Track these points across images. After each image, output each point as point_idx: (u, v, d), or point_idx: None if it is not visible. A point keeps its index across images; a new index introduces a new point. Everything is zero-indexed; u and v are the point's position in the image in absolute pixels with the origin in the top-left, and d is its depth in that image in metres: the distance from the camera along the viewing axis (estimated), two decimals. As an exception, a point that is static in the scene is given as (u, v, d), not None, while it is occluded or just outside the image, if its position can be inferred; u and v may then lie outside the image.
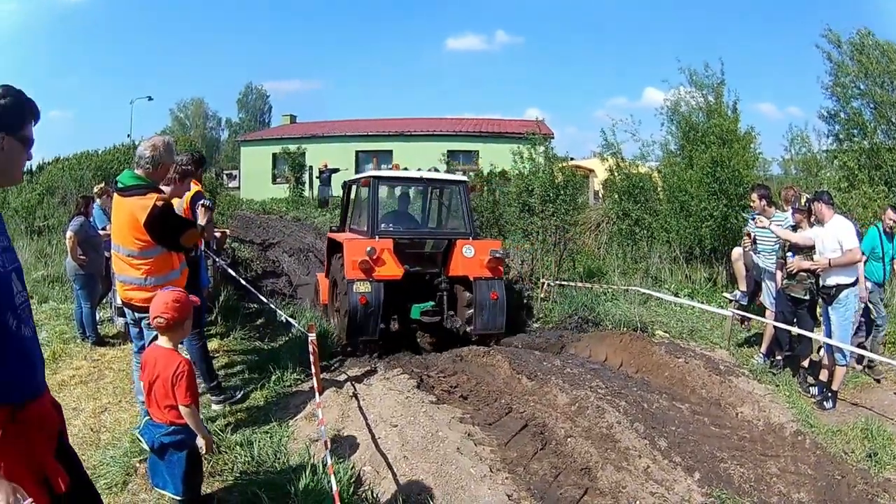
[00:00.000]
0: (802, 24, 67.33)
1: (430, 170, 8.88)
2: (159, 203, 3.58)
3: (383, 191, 7.39)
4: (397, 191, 8.28)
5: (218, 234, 5.53)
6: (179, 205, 4.67)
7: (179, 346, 3.71)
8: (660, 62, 77.06)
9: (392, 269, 6.44)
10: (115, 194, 3.81)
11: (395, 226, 7.30)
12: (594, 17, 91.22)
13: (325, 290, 7.69)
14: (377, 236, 6.59)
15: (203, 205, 4.33)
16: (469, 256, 6.77)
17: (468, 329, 6.85)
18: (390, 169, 10.73)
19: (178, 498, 2.90)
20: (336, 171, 14.20)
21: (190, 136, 42.58)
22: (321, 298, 7.99)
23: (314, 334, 4.44)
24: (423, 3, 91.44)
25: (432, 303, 6.95)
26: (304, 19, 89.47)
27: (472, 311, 6.79)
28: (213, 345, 5.80)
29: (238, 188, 27.24)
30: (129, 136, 15.61)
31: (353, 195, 7.84)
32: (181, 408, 2.81)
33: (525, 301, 9.51)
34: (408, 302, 6.91)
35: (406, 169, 9.02)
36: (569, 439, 4.04)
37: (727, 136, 10.60)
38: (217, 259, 7.09)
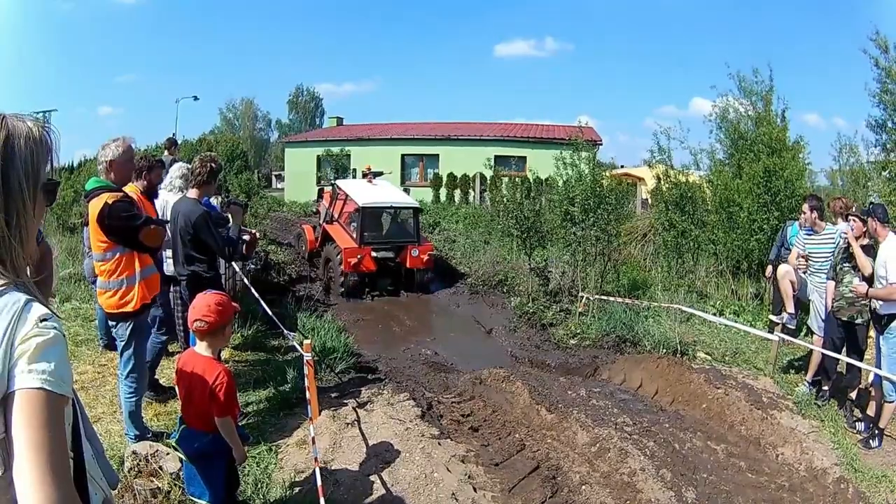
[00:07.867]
0: (850, 30, 63.25)
1: (389, 172, 14.87)
2: (110, 200, 3.57)
3: (367, 211, 10.63)
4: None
5: (247, 237, 5.28)
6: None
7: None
8: (706, 72, 74.82)
9: (370, 265, 10.06)
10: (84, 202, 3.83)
11: (372, 237, 10.61)
12: (642, 25, 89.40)
13: (310, 241, 12.03)
14: (363, 245, 10.02)
15: (236, 202, 4.49)
16: (415, 256, 10.44)
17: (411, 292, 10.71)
18: (366, 173, 12.84)
19: None
20: (380, 174, 14.00)
21: (237, 137, 43.15)
22: (308, 246, 12.14)
23: (310, 354, 4.09)
24: (471, 10, 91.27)
25: (389, 280, 10.74)
26: (357, 24, 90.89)
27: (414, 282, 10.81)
28: (223, 353, 5.55)
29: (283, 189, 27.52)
30: (173, 134, 15.88)
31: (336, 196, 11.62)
32: (217, 419, 2.70)
33: (563, 316, 9.03)
34: (377, 279, 10.59)
35: (379, 173, 12.87)
36: (583, 487, 3.57)
37: (776, 145, 10.17)
38: (233, 264, 6.87)
